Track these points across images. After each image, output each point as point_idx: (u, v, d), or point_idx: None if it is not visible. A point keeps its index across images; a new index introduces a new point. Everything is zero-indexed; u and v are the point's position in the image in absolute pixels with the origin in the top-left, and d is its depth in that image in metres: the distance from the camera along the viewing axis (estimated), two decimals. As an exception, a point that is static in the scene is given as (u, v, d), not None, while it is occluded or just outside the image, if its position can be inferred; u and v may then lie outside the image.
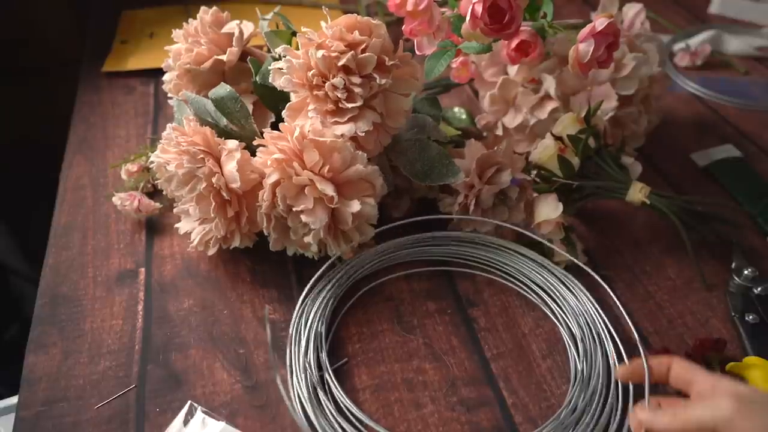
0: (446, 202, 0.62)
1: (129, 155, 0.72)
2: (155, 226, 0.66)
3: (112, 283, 0.60)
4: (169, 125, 0.56)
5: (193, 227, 0.59)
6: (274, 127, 0.55)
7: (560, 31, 0.58)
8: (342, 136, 0.52)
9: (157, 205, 0.65)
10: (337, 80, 0.51)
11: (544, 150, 0.63)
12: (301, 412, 0.48)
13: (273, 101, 0.59)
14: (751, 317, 0.57)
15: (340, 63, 0.50)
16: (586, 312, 0.56)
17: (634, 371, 0.49)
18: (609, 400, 0.50)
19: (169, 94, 0.64)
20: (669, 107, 0.85)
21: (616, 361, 0.52)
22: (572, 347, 0.54)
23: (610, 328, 0.55)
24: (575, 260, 0.59)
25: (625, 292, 0.60)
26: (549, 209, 0.60)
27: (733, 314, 0.58)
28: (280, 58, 0.55)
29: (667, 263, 0.63)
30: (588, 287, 0.58)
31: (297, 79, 0.53)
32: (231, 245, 0.58)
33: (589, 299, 0.57)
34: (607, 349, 0.53)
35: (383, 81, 0.52)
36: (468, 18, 0.54)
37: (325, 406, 0.49)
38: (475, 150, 0.60)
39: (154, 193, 0.69)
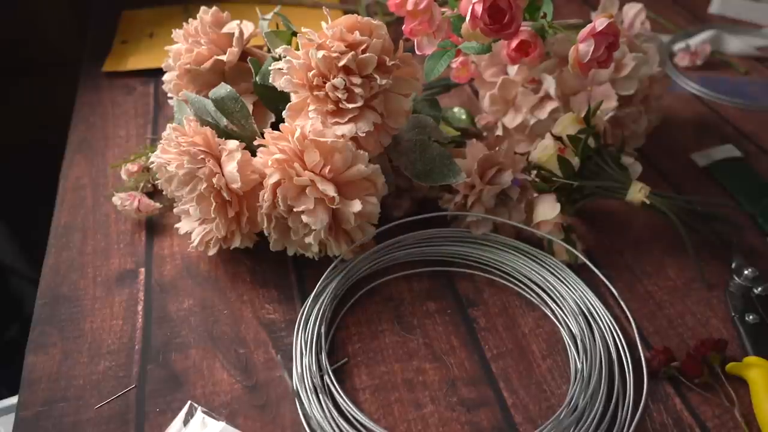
0: (447, 198, 0.63)
1: (129, 155, 0.72)
2: (155, 226, 0.66)
3: (112, 283, 0.60)
4: (169, 125, 0.56)
5: (193, 227, 0.59)
6: (275, 127, 0.55)
7: (560, 31, 0.58)
8: (342, 136, 0.52)
9: (157, 205, 0.65)
10: (338, 81, 0.50)
11: (544, 150, 0.63)
12: (301, 412, 0.48)
13: (273, 101, 0.59)
14: (751, 317, 0.57)
15: (341, 63, 0.50)
16: (586, 312, 0.56)
17: None
18: (610, 399, 0.50)
19: (169, 94, 0.64)
20: (669, 107, 0.85)
21: (617, 361, 0.53)
22: (572, 347, 0.54)
23: (610, 328, 0.55)
24: (579, 255, 0.59)
25: (625, 292, 0.60)
26: (547, 209, 0.60)
27: (733, 314, 0.58)
28: (280, 59, 0.55)
29: (667, 263, 0.63)
30: (588, 287, 0.58)
31: (297, 80, 0.53)
32: (231, 245, 0.58)
33: (589, 299, 0.57)
34: (609, 349, 0.53)
35: (384, 81, 0.52)
36: (468, 18, 0.54)
37: (324, 407, 0.49)
38: (476, 150, 0.60)
39: (154, 193, 0.69)
